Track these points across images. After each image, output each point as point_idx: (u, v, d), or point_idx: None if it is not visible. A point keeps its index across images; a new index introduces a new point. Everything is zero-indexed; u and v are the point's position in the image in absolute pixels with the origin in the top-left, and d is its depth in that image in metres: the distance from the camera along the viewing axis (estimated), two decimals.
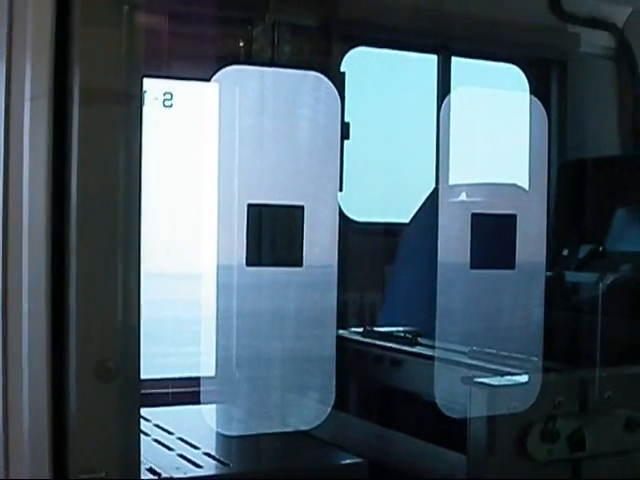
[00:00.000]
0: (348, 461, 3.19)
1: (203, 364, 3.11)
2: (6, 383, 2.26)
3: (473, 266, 3.37)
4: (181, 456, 3.07)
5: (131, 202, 2.32)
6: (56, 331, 2.23)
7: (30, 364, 2.22)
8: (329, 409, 3.04)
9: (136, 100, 2.33)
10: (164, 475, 2.84)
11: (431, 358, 3.53)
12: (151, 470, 2.86)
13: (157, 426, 3.38)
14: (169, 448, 3.16)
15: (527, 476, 3.13)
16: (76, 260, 2.24)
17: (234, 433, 3.22)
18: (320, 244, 3.19)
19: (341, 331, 4.02)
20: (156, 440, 3.24)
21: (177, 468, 2.94)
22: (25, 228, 2.22)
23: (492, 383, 3.19)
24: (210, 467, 3.02)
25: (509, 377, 3.28)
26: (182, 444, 3.20)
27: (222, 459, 3.08)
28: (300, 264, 3.10)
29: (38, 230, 2.21)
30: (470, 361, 3.44)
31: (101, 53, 2.27)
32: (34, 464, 2.22)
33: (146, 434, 3.25)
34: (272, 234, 3.13)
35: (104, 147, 2.29)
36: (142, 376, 2.39)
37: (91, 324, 2.27)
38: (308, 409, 3.16)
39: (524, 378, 3.30)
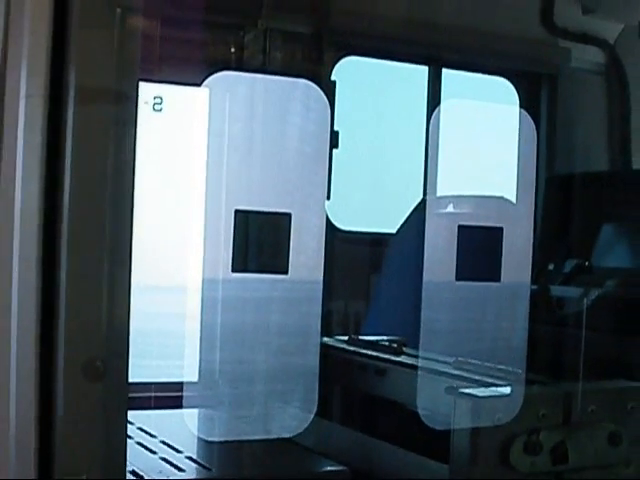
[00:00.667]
0: (331, 469, 3.19)
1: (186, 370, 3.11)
2: None
3: (459, 278, 3.37)
4: (164, 459, 3.08)
5: (124, 202, 2.32)
6: (45, 330, 2.22)
7: (18, 362, 2.21)
8: (311, 417, 3.04)
9: (131, 101, 2.33)
10: (146, 478, 2.84)
11: (415, 367, 3.54)
12: (134, 473, 2.86)
13: (140, 429, 3.38)
14: (152, 451, 3.16)
15: None
16: (66, 259, 2.23)
17: (215, 439, 3.21)
18: (306, 252, 3.19)
19: (326, 339, 4.03)
20: (139, 443, 3.24)
21: (160, 472, 2.94)
22: (17, 226, 2.21)
23: (476, 394, 3.19)
24: (192, 471, 3.02)
25: (493, 388, 3.29)
26: (165, 447, 3.21)
27: (204, 463, 3.08)
28: (286, 271, 3.10)
29: (29, 228, 2.21)
30: (454, 371, 3.44)
31: (97, 53, 2.27)
32: (20, 463, 2.21)
33: (129, 437, 3.24)
34: (258, 241, 3.13)
35: (98, 146, 2.28)
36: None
37: (80, 323, 2.27)
38: (290, 417, 3.16)
39: (508, 390, 3.31)
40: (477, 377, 3.35)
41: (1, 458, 2.23)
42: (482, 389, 3.25)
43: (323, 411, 3.20)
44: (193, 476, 3.00)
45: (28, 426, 2.20)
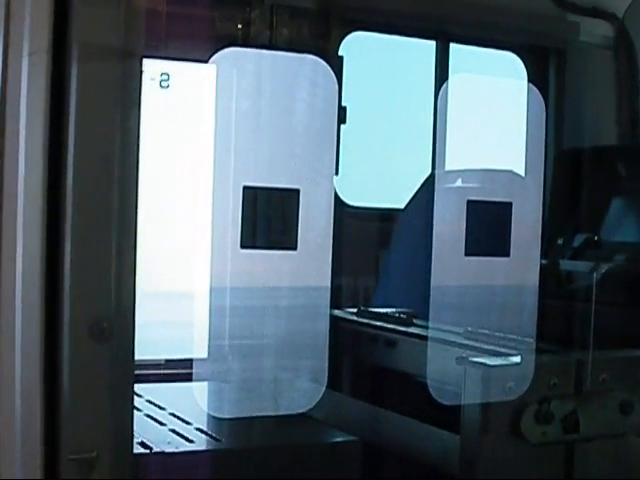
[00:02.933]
0: (341, 439, 3.19)
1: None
2: None
3: (468, 253, 3.37)
4: (173, 431, 3.08)
5: (129, 160, 2.31)
6: (50, 290, 2.22)
7: (23, 324, 2.21)
8: (321, 390, 3.05)
9: (135, 60, 2.32)
10: (155, 449, 2.85)
11: (426, 338, 3.53)
12: (143, 444, 2.86)
13: (149, 402, 3.38)
14: (161, 423, 3.17)
15: (520, 457, 3.13)
16: (72, 218, 2.23)
17: (225, 415, 3.21)
18: (315, 227, 3.19)
19: (336, 311, 4.03)
20: (148, 415, 3.24)
21: (169, 443, 2.94)
22: (21, 184, 2.21)
23: (487, 363, 3.19)
24: (202, 442, 3.03)
25: (504, 357, 3.29)
26: (174, 419, 3.21)
27: (214, 435, 3.08)
28: (295, 247, 3.10)
29: (34, 187, 2.20)
30: (465, 341, 3.44)
31: (101, 9, 2.26)
32: (26, 429, 2.21)
33: (138, 409, 3.25)
34: (267, 217, 3.12)
35: (103, 103, 2.27)
36: None
37: (86, 283, 2.26)
38: (300, 392, 3.16)
39: (519, 358, 3.31)
40: (488, 347, 3.35)
41: (7, 422, 2.22)
42: (493, 358, 3.25)
43: (333, 383, 3.20)
44: (202, 447, 3.00)
45: (34, 387, 2.20)
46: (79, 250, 2.24)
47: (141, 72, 2.36)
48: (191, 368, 3.05)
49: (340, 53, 4.95)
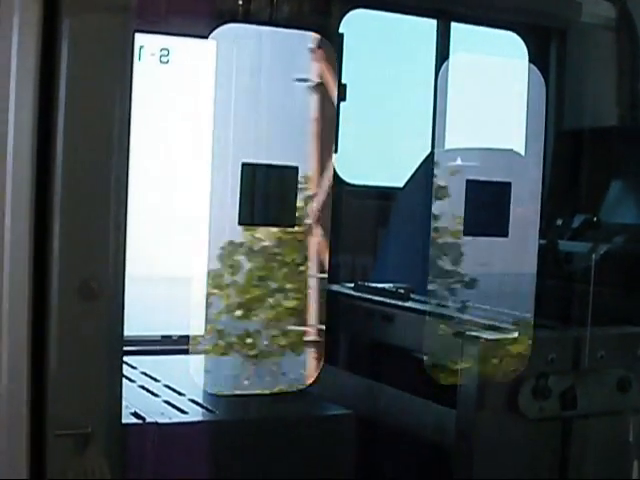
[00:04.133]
0: (335, 412, 3.19)
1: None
2: None
3: (467, 233, 3.36)
4: (167, 402, 3.08)
5: (121, 115, 2.29)
6: (39, 249, 2.20)
7: (11, 281, 2.19)
8: (318, 367, 3.05)
9: (129, 10, 2.30)
10: (149, 419, 2.85)
11: (424, 312, 3.53)
12: (136, 414, 2.86)
13: (144, 373, 3.38)
14: (155, 394, 3.16)
15: (517, 432, 3.14)
16: (62, 177, 2.21)
17: (222, 392, 3.21)
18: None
19: (334, 286, 4.03)
20: (142, 387, 3.24)
21: (162, 413, 2.94)
22: (10, 144, 2.19)
23: (484, 337, 3.19)
24: (195, 413, 3.03)
25: (501, 331, 3.29)
26: (168, 391, 3.21)
27: (208, 406, 3.08)
28: (293, 224, 3.10)
29: (23, 146, 2.18)
30: (463, 316, 3.44)
31: None
32: (13, 390, 2.19)
33: (132, 380, 3.25)
34: (265, 194, 3.12)
35: (93, 52, 2.25)
36: None
37: (75, 242, 2.25)
38: (296, 368, 3.17)
39: (516, 333, 3.31)
40: (486, 322, 3.35)
41: None
42: (490, 332, 3.25)
43: (330, 358, 3.20)
44: (196, 418, 3.00)
45: (21, 343, 2.18)
46: (69, 209, 2.23)
47: (134, 35, 2.34)
48: None
49: (340, 30, 4.93)
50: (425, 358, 3.29)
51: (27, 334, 2.19)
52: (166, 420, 2.88)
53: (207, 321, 3.09)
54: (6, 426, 2.19)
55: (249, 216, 3.05)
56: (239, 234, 3.07)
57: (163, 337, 3.80)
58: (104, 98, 2.28)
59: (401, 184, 4.77)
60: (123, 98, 2.31)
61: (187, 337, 3.19)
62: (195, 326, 3.14)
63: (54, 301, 2.22)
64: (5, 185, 2.18)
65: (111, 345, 2.32)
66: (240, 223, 3.04)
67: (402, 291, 3.83)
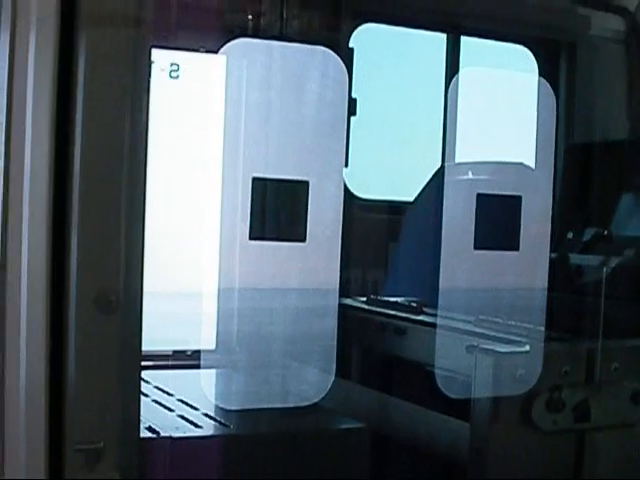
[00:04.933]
0: (349, 426, 3.18)
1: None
2: (3, 307, 2.21)
3: (477, 246, 3.36)
4: (181, 417, 3.08)
5: (138, 129, 2.29)
6: (56, 261, 2.20)
7: (29, 295, 2.18)
8: (330, 380, 3.04)
9: (145, 25, 2.30)
10: (163, 434, 2.85)
11: (436, 326, 3.53)
12: (150, 429, 2.86)
13: (157, 388, 3.38)
14: (169, 409, 3.17)
15: (530, 445, 3.13)
16: (80, 189, 2.20)
17: (233, 407, 3.20)
18: (324, 220, 3.18)
19: (347, 300, 4.03)
20: (156, 401, 3.24)
21: (177, 428, 2.94)
22: (27, 153, 2.18)
23: (498, 350, 3.18)
24: (209, 428, 3.03)
25: (515, 345, 3.28)
26: (182, 405, 3.21)
27: (222, 420, 3.08)
28: (303, 239, 3.10)
29: (41, 156, 2.18)
30: (476, 329, 3.43)
31: None
32: (31, 403, 2.18)
33: (145, 395, 3.25)
34: (276, 208, 3.12)
35: (110, 68, 2.25)
36: None
37: (93, 255, 2.24)
38: (308, 383, 3.16)
39: (530, 346, 3.30)
40: (499, 335, 3.34)
41: (14, 390, 2.19)
42: (503, 345, 3.24)
43: (342, 372, 3.20)
44: (210, 433, 3.00)
45: (39, 357, 2.17)
46: (87, 221, 2.22)
47: (150, 44, 2.34)
48: None
49: (351, 45, 4.94)
50: (437, 371, 3.28)
51: (45, 347, 2.19)
52: (181, 435, 2.88)
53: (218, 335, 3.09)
54: (25, 440, 2.19)
55: (260, 231, 3.05)
56: (250, 249, 3.07)
57: (175, 352, 3.79)
58: (122, 112, 2.28)
59: (411, 198, 4.78)
60: (141, 112, 2.31)
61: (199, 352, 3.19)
62: (206, 340, 3.13)
63: (72, 314, 2.21)
64: (23, 197, 2.18)
65: (130, 359, 2.31)
66: (251, 238, 3.04)
67: (414, 305, 3.82)
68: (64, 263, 2.21)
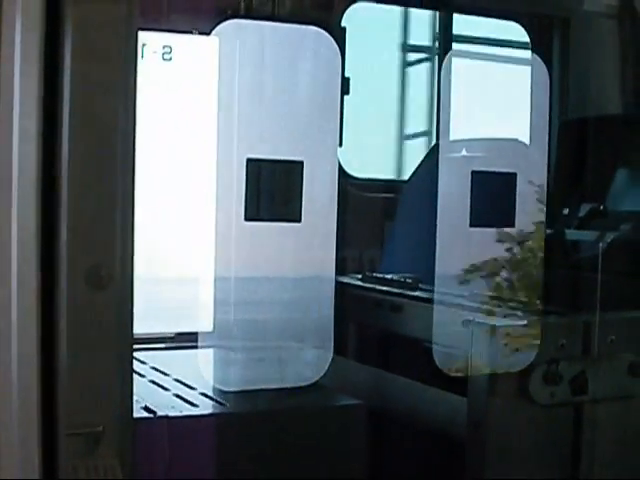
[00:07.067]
0: (346, 403, 3.20)
1: None
2: None
3: (473, 224, 3.36)
4: (177, 396, 3.09)
5: (127, 106, 2.27)
6: (46, 236, 2.19)
7: (19, 270, 2.16)
8: (328, 359, 3.06)
9: (133, 6, 2.29)
10: (160, 413, 2.85)
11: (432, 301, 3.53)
12: (147, 408, 2.87)
13: (153, 368, 3.39)
14: (165, 388, 3.18)
15: (528, 418, 3.14)
16: (69, 163, 2.19)
17: (231, 388, 3.21)
18: (319, 199, 3.18)
19: (343, 278, 4.04)
20: (152, 381, 3.25)
21: (173, 407, 2.95)
22: (15, 130, 2.17)
23: (494, 323, 3.18)
24: (206, 406, 3.04)
25: (511, 318, 3.29)
26: (178, 385, 3.22)
27: (218, 399, 3.09)
28: (299, 219, 3.10)
29: (29, 132, 2.16)
30: (471, 303, 3.44)
31: None
32: (23, 385, 2.18)
33: (142, 375, 3.26)
34: (271, 189, 3.12)
35: (97, 50, 2.24)
36: None
37: (83, 229, 2.23)
38: (306, 362, 3.17)
39: (526, 319, 3.31)
40: (495, 309, 3.35)
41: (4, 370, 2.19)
42: (499, 319, 3.25)
43: (339, 350, 3.20)
44: (207, 411, 3.01)
45: (30, 333, 2.16)
46: (76, 195, 2.21)
47: (137, 33, 2.33)
48: None
49: (343, 24, 4.93)
50: (434, 347, 3.29)
51: (36, 327, 2.18)
52: (177, 413, 2.89)
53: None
54: (16, 425, 2.18)
55: (255, 212, 3.05)
56: (246, 231, 3.07)
57: (178, 334, 3.80)
58: (111, 92, 2.27)
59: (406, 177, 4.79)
60: (128, 92, 2.30)
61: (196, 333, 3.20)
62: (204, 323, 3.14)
63: (63, 291, 2.20)
64: (11, 173, 2.16)
65: (122, 333, 2.30)
66: (247, 219, 3.05)
67: (410, 281, 3.83)
68: (54, 239, 2.20)
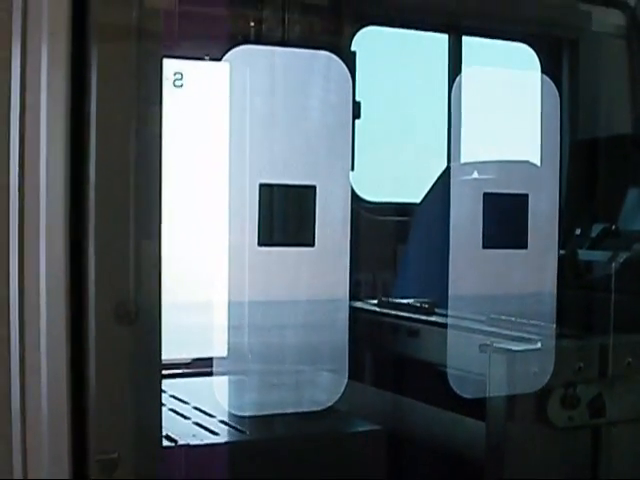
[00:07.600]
0: (365, 429, 3.19)
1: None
2: (22, 319, 2.19)
3: (485, 246, 3.36)
4: (197, 424, 3.09)
5: (152, 138, 2.29)
6: (75, 272, 2.19)
7: (48, 307, 2.17)
8: (343, 384, 3.05)
9: (155, 34, 2.30)
10: (181, 442, 2.86)
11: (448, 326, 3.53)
12: (168, 437, 2.87)
13: (173, 397, 3.39)
14: (185, 417, 3.18)
15: (547, 442, 3.13)
16: (95, 200, 2.20)
17: (245, 413, 3.21)
18: (332, 223, 3.19)
19: (357, 303, 4.05)
20: (172, 409, 3.25)
21: (194, 435, 2.95)
22: (43, 168, 2.18)
23: (511, 348, 3.18)
24: (226, 434, 3.04)
25: (528, 343, 3.28)
26: (198, 413, 3.22)
27: (238, 427, 3.09)
28: (312, 244, 3.10)
29: (56, 169, 2.17)
30: (488, 328, 3.43)
31: None
32: (53, 415, 2.18)
33: (162, 404, 3.26)
34: (284, 214, 3.13)
35: (123, 83, 2.26)
36: None
37: (111, 264, 2.24)
38: (321, 387, 3.17)
39: (543, 342, 3.30)
40: (512, 334, 3.34)
41: (34, 407, 2.19)
42: (517, 344, 3.24)
43: (355, 375, 3.20)
44: (227, 439, 3.01)
45: (60, 369, 2.17)
46: (103, 233, 2.22)
47: (162, 55, 2.36)
48: None
49: (353, 48, 4.95)
50: (451, 371, 3.29)
51: (66, 358, 2.19)
52: (198, 442, 2.89)
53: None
54: (47, 455, 2.19)
55: (268, 237, 3.06)
56: (259, 256, 3.07)
57: (195, 360, 3.80)
58: (136, 124, 2.29)
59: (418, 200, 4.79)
60: (154, 123, 2.32)
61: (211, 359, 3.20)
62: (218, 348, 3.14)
63: (91, 326, 2.21)
64: (40, 209, 2.18)
65: (150, 367, 2.31)
66: (260, 244, 3.05)
67: (426, 306, 3.83)
68: (82, 275, 2.21)
